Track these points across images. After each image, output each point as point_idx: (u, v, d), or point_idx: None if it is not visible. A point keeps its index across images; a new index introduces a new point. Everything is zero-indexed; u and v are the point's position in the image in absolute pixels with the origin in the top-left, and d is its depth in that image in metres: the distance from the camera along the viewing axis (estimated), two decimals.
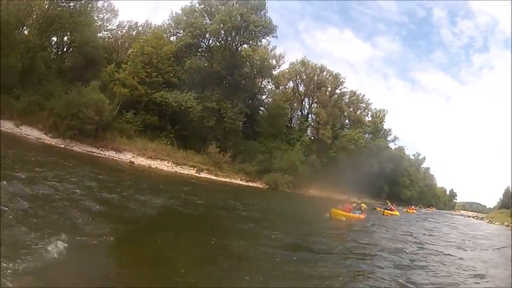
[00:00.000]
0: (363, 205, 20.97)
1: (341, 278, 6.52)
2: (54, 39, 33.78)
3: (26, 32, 30.07)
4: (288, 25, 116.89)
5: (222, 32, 35.32)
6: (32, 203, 7.10)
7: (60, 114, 25.77)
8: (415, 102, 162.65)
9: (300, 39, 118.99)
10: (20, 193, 7.48)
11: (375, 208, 31.91)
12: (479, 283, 7.96)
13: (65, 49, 35.27)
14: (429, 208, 79.94)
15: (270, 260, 6.93)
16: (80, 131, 26.02)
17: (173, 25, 37.71)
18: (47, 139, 25.28)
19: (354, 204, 19.82)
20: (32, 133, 25.17)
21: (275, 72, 42.86)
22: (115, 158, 27.06)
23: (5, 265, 4.17)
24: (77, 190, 10.03)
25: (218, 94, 34.00)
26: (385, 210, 29.57)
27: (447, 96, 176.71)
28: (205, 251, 6.96)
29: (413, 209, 47.51)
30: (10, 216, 5.91)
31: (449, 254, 11.53)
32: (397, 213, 32.38)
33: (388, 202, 34.55)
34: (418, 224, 25.30)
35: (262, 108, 42.08)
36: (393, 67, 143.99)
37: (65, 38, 34.24)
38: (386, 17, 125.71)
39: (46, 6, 29.57)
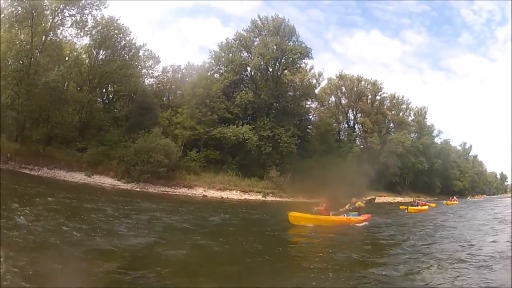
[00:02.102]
0: (359, 203, 14.93)
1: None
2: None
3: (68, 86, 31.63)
4: (317, 37, 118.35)
5: (263, 63, 37.25)
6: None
7: (131, 161, 28.06)
8: (452, 90, 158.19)
9: (331, 49, 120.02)
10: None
11: (400, 207, 27.94)
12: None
13: (111, 98, 38.15)
14: (476, 196, 76.87)
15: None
16: (152, 174, 28.21)
17: (214, 63, 40.12)
18: (122, 185, 27.50)
19: (347, 206, 14.82)
20: (105, 180, 27.51)
21: (316, 91, 44.44)
22: (189, 194, 29.00)
23: None
24: (169, 217, 12.38)
25: (269, 122, 35.83)
26: (410, 207, 25.51)
27: (481, 78, 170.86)
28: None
29: (454, 200, 41.22)
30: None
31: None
32: (426, 208, 27.32)
33: (416, 199, 31.03)
34: (446, 216, 21.60)
35: (310, 127, 43.39)
36: (425, 59, 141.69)
37: (109, 88, 36.96)
38: (408, 10, 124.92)
39: (91, 63, 32.55)
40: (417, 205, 26.40)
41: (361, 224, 14.22)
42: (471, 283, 5.99)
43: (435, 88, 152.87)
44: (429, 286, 5.93)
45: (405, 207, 26.53)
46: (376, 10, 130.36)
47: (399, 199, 48.73)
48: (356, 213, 14.65)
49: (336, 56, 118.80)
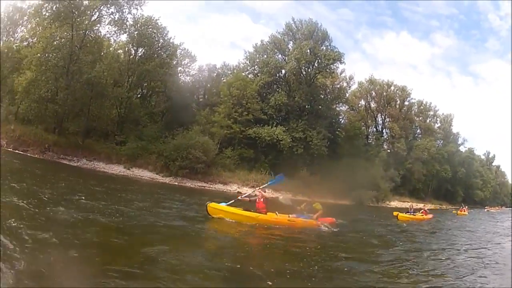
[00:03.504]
0: (316, 205, 12.07)
1: None
2: None
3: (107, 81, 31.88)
4: (347, 37, 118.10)
5: (298, 67, 38.44)
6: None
7: (170, 156, 29.38)
8: (479, 96, 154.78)
9: (361, 49, 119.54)
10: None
11: (394, 214, 21.30)
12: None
13: (145, 93, 39.17)
14: (494, 207, 74.63)
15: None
16: (190, 169, 29.55)
17: (248, 63, 41.50)
18: (160, 178, 28.78)
19: (303, 205, 12.31)
20: (144, 174, 28.68)
21: (347, 94, 45.55)
22: (224, 190, 30.13)
23: None
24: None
25: (302, 124, 36.99)
26: (401, 215, 20.86)
27: (508, 85, 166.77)
28: None
29: (464, 210, 37.99)
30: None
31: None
32: (422, 217, 22.43)
33: (411, 205, 25.17)
34: (443, 226, 19.23)
35: (339, 130, 44.28)
36: (453, 63, 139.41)
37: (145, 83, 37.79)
38: (437, 12, 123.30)
39: (128, 60, 33.91)
40: (413, 213, 21.93)
41: (314, 228, 11.46)
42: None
43: (462, 93, 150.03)
44: None
45: (398, 213, 21.57)
46: (406, 11, 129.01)
47: (421, 205, 49.15)
48: (311, 215, 11.85)
49: (366, 56, 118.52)
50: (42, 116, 27.03)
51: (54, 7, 27.24)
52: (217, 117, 34.70)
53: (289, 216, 11.36)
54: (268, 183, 13.17)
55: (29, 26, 35.34)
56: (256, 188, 12.43)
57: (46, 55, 26.27)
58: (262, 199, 11.27)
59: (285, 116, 38.15)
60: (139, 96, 38.51)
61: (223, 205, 10.60)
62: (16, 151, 24.47)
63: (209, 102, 37.88)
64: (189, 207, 13.26)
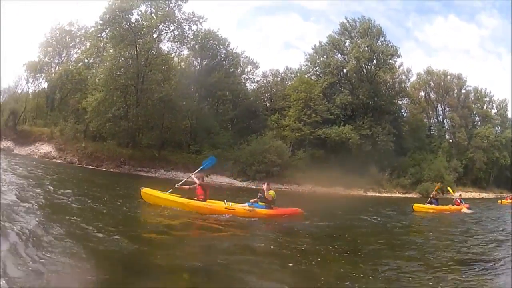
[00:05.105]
0: (271, 193, 10.65)
1: None
2: None
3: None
4: (398, 26, 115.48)
5: (358, 66, 39.65)
6: None
7: (247, 162, 31.41)
8: None
9: (414, 37, 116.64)
10: None
11: (412, 207, 17.66)
12: None
13: (212, 102, 40.19)
14: None
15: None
16: (266, 173, 31.14)
17: (310, 65, 43.03)
18: (238, 183, 30.65)
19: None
20: (223, 180, 30.26)
21: (407, 87, 46.40)
22: (299, 191, 31.88)
23: None
24: None
25: (368, 121, 38.21)
26: (416, 205, 17.67)
27: None
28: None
29: (509, 198, 33.40)
30: None
31: None
32: (448, 208, 18.63)
33: (435, 194, 19.34)
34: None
35: (402, 123, 44.85)
36: (501, 44, 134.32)
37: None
38: None
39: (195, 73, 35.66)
40: (437, 202, 18.22)
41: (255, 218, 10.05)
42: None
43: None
44: None
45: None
46: None
47: (483, 195, 48.93)
48: (264, 204, 10.58)
49: (419, 44, 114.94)
50: (114, 132, 28.16)
51: (115, 31, 28.10)
52: (287, 121, 36.45)
53: (227, 204, 10.37)
54: (201, 167, 12.08)
55: (82, 47, 37.66)
56: (190, 174, 11.35)
57: (113, 75, 27.38)
58: (200, 186, 10.47)
59: (350, 114, 39.35)
60: (207, 105, 39.76)
61: (156, 191, 10.20)
62: (90, 166, 26.24)
63: (277, 107, 39.61)
64: None
